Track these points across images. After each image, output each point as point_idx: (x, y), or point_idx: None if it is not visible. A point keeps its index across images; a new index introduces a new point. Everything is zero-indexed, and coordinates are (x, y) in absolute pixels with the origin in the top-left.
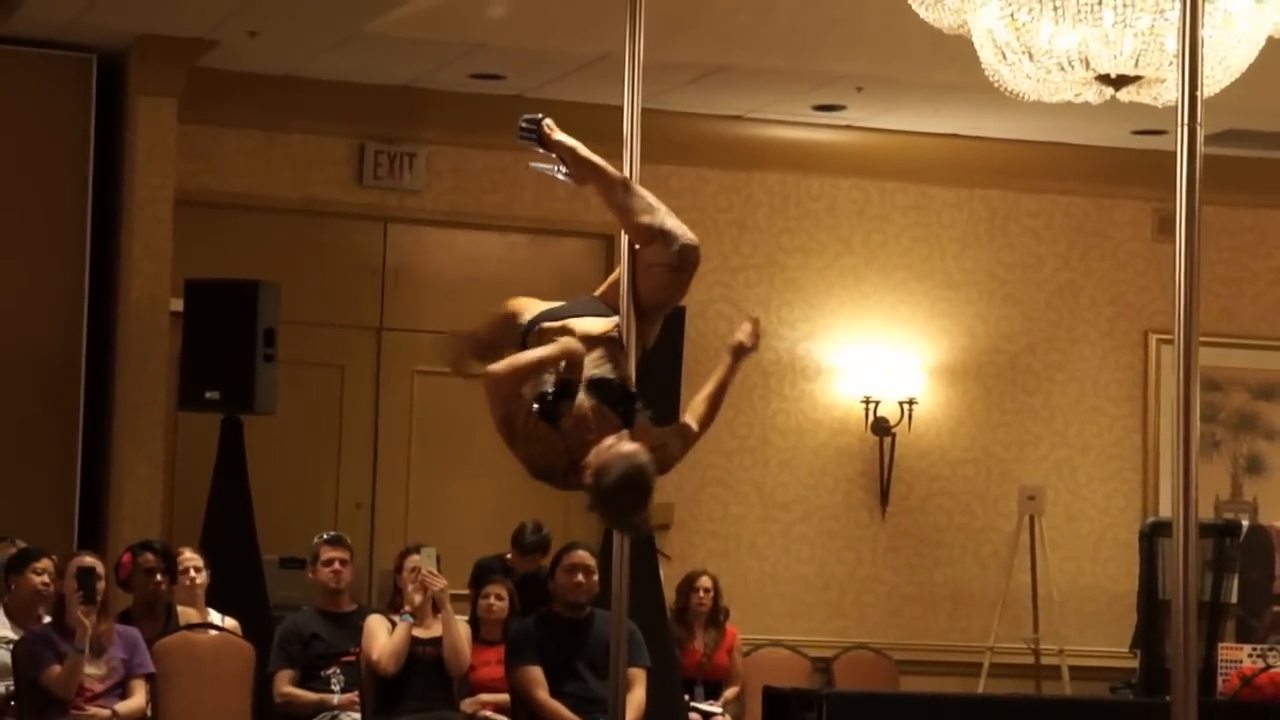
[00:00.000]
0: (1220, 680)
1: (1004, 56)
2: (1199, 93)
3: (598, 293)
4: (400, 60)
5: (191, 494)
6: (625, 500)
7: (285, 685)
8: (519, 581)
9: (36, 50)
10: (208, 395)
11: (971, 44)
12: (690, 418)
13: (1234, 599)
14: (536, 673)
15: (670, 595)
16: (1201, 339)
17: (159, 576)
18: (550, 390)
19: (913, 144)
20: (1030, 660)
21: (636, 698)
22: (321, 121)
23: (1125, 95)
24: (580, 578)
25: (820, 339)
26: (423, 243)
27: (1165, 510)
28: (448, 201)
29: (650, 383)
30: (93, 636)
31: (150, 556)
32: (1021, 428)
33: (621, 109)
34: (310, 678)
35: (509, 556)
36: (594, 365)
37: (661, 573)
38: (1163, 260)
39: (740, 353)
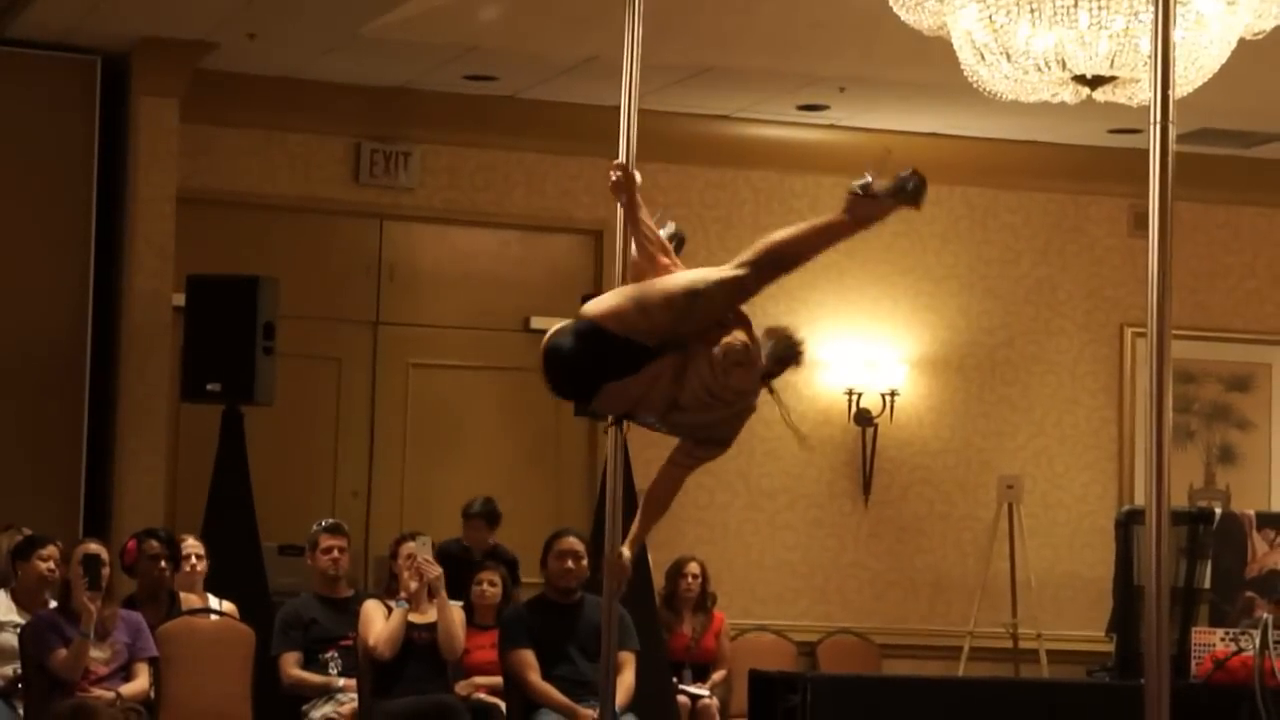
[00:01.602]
0: (1193, 663)
1: (982, 57)
2: (1171, 93)
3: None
4: (395, 62)
5: (193, 483)
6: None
7: (292, 668)
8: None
9: (42, 53)
10: (209, 387)
11: (951, 45)
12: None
13: (1207, 584)
14: (529, 656)
15: (659, 581)
16: (1175, 332)
17: (163, 563)
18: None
19: (894, 142)
20: (1009, 644)
21: (626, 680)
22: (319, 121)
23: (1101, 95)
24: (570, 563)
25: (804, 332)
26: (417, 239)
27: (1140, 498)
28: (442, 199)
29: None
30: (97, 621)
31: (154, 544)
32: (1000, 418)
33: (611, 109)
34: (309, 661)
35: (461, 538)
36: None
37: (650, 559)
38: (1138, 255)
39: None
